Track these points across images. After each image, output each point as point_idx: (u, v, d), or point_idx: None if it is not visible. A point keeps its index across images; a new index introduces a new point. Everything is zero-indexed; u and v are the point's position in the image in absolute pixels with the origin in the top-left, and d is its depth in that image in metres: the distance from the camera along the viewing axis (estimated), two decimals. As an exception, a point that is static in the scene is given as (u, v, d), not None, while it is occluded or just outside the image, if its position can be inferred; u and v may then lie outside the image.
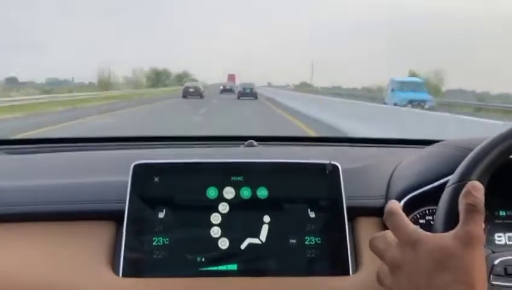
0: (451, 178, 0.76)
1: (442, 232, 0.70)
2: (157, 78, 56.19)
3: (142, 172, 0.94)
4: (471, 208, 0.64)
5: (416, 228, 0.67)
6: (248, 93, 37.40)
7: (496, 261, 0.86)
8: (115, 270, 0.89)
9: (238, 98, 36.00)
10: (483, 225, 0.66)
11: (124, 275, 0.88)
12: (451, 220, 0.69)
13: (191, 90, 37.85)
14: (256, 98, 36.36)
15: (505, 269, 0.85)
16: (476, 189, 0.66)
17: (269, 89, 51.15)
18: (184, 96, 36.51)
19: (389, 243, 0.68)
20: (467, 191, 0.66)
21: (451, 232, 0.64)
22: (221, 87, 48.89)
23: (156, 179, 0.94)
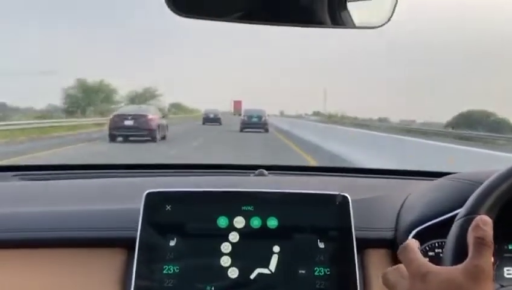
0: (460, 212, 0.76)
1: (451, 265, 0.71)
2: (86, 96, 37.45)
3: (154, 200, 0.96)
4: (480, 242, 0.65)
5: (428, 262, 0.68)
6: (255, 123, 26.11)
7: None
8: None
9: (241, 130, 25.06)
10: (492, 259, 0.66)
11: None
12: (460, 254, 0.69)
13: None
14: (266, 130, 25.35)
15: None
16: (485, 223, 0.66)
17: (283, 120, 40.74)
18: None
19: (400, 276, 0.69)
20: (476, 225, 0.67)
21: (460, 266, 0.65)
22: (204, 116, 36.23)
23: (168, 208, 0.95)
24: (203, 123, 33.12)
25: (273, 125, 29.66)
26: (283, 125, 31.77)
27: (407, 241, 0.72)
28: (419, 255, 0.69)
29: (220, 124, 32.60)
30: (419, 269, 0.67)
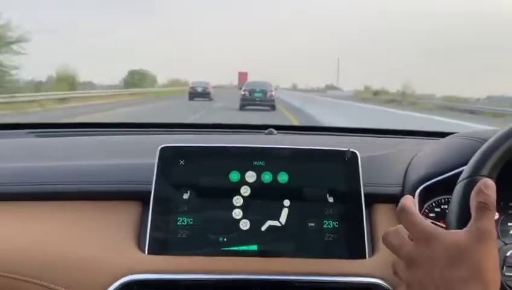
0: (463, 173, 0.77)
1: (455, 227, 0.73)
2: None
3: (168, 155, 0.99)
4: (483, 206, 0.66)
5: (430, 224, 0.70)
6: (259, 99, 21.18)
7: (509, 253, 0.88)
8: (141, 248, 0.94)
9: (241, 108, 20.55)
10: (496, 215, 0.68)
11: (149, 253, 0.93)
12: (464, 216, 0.71)
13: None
14: (273, 108, 20.66)
15: None
16: (488, 187, 0.68)
17: (295, 94, 34.23)
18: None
19: (403, 239, 0.71)
20: (479, 189, 0.68)
21: (464, 229, 0.67)
22: (190, 90, 30.41)
23: (182, 162, 0.98)
24: (190, 99, 28.36)
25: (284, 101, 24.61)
26: (294, 101, 25.61)
27: (402, 200, 0.73)
28: (420, 217, 0.71)
29: (210, 99, 28.35)
30: (424, 233, 0.68)
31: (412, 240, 0.70)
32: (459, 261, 0.64)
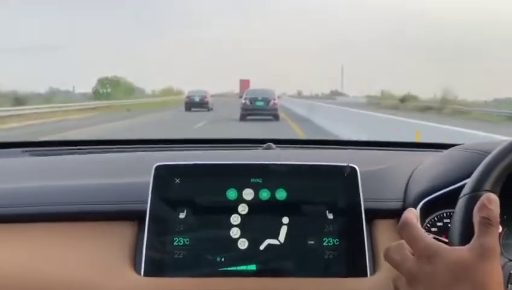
0: (465, 188, 0.76)
1: (458, 243, 0.72)
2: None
3: (163, 173, 0.97)
4: (486, 222, 0.65)
5: (433, 240, 0.68)
6: (261, 108, 19.72)
7: None
8: (137, 270, 0.91)
9: (242, 118, 19.10)
10: (500, 229, 0.66)
11: (145, 275, 0.90)
12: (467, 232, 0.70)
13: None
14: (276, 117, 19.22)
15: None
16: (491, 202, 0.66)
17: (300, 102, 29.94)
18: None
19: (405, 255, 0.70)
20: (482, 204, 0.67)
21: (467, 246, 0.65)
22: (186, 99, 28.46)
23: (177, 181, 0.96)
24: (187, 109, 26.68)
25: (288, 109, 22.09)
26: (301, 110, 22.99)
27: (404, 214, 0.72)
28: (422, 232, 0.69)
29: (209, 109, 26.41)
30: (426, 250, 0.67)
31: (414, 255, 0.68)
32: (462, 279, 0.63)
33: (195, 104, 27.06)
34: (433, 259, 0.65)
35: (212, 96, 31.05)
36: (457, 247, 0.68)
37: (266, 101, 19.87)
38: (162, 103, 37.49)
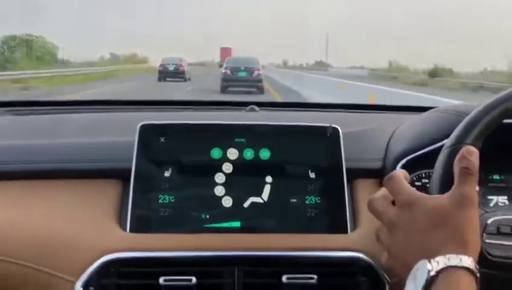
0: (447, 142, 0.79)
1: (437, 193, 0.74)
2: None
3: (148, 132, 0.97)
4: (466, 171, 0.68)
5: (415, 190, 0.71)
6: (243, 79, 17.64)
7: (489, 221, 0.89)
8: (122, 226, 0.93)
9: (223, 90, 17.17)
10: (477, 187, 0.69)
11: (131, 231, 0.92)
12: (446, 182, 0.72)
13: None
14: (261, 90, 17.25)
15: (498, 228, 0.88)
16: (471, 153, 0.69)
17: (286, 72, 27.74)
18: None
19: (388, 205, 0.73)
20: (462, 155, 0.70)
21: (447, 194, 0.68)
22: (160, 68, 25.37)
23: (162, 140, 0.97)
24: (160, 80, 23.80)
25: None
26: (285, 81, 20.79)
27: (394, 171, 0.75)
28: (406, 184, 0.72)
29: (186, 80, 23.54)
30: (407, 198, 0.70)
31: (396, 206, 0.71)
32: (440, 225, 0.66)
33: (170, 74, 24.20)
34: (413, 207, 0.68)
35: (190, 64, 28.28)
36: (436, 195, 0.71)
37: (249, 71, 17.85)
38: (110, 73, 29.90)
